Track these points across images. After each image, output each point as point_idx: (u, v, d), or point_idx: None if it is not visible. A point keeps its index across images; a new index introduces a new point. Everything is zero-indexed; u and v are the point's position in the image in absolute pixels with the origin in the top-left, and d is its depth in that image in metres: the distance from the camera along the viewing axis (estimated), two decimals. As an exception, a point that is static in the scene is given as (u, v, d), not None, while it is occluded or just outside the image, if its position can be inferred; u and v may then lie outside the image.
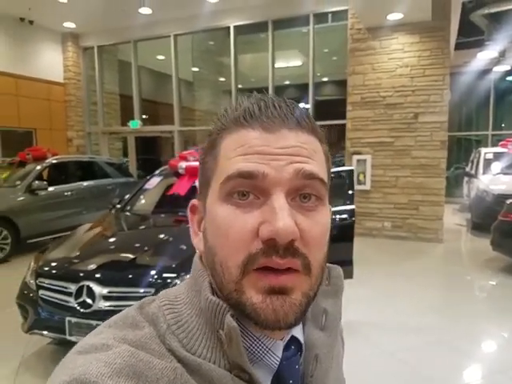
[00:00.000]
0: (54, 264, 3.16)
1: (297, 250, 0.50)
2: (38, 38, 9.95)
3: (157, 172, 4.89)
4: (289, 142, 0.53)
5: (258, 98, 0.56)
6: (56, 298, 2.94)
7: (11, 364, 3.24)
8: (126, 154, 11.14)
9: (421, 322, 4.09)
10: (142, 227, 4.00)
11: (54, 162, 7.41)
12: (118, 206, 4.48)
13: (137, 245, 3.39)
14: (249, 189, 0.51)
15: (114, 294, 2.83)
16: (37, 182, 6.82)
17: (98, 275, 2.89)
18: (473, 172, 9.57)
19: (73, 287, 2.87)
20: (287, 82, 9.45)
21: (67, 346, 3.43)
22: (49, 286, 3.01)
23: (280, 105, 0.54)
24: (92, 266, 2.95)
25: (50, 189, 7.03)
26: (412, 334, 3.82)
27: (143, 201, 4.52)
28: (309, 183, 0.53)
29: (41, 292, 3.02)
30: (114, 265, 3.09)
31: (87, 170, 8.12)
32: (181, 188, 4.32)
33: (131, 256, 3.12)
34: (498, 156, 8.91)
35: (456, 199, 11.87)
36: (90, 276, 2.88)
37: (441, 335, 3.82)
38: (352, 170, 4.27)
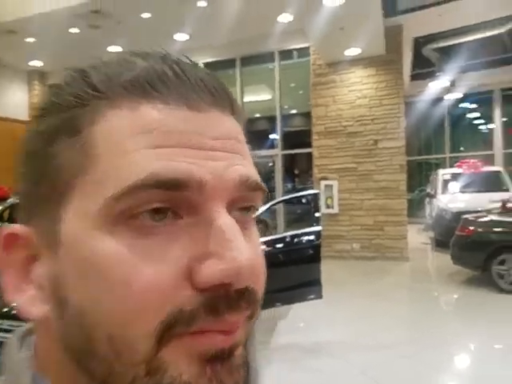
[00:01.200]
0: None
1: (253, 293, 0.32)
2: (4, 76, 10.07)
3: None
4: (225, 129, 0.33)
5: (162, 56, 0.36)
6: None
7: None
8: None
9: (392, 337, 4.23)
10: None
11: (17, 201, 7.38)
12: None
13: None
14: (169, 204, 0.30)
15: None
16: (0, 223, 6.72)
17: None
18: (432, 192, 10.19)
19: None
20: (257, 115, 9.93)
21: None
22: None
23: (201, 72, 0.35)
24: None
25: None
26: (384, 350, 3.94)
27: None
28: (253, 195, 0.34)
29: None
30: None
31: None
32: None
33: None
34: (454, 176, 9.59)
35: (420, 220, 12.50)
36: None
37: (411, 349, 3.95)
38: (317, 194, 4.62)
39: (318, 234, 4.29)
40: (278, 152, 8.99)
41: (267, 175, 9.81)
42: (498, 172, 9.51)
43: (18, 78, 10.51)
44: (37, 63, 10.09)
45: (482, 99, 13.05)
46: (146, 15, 7.37)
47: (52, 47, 8.80)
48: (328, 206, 8.18)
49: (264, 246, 4.21)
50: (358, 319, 4.86)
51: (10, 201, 7.15)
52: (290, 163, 9.54)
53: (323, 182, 8.17)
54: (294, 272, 4.21)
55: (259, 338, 4.50)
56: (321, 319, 4.87)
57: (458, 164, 9.96)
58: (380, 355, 3.84)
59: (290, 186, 10.61)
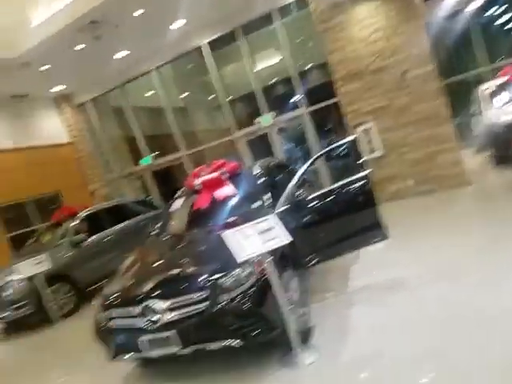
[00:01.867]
0: (115, 295, 3.55)
1: None
2: (35, 108, 10.62)
3: (176, 195, 5.26)
4: None
5: None
6: (125, 324, 3.33)
7: None
8: (147, 191, 11.64)
9: (466, 266, 4.09)
10: (180, 245, 4.35)
11: (86, 214, 7.95)
12: (154, 232, 4.89)
13: (179, 260, 3.75)
14: None
15: (175, 305, 3.17)
16: (76, 236, 7.36)
17: (156, 293, 3.26)
18: (478, 111, 9.55)
19: (136, 310, 3.25)
20: (274, 80, 9.74)
21: (150, 365, 3.85)
22: (116, 315, 3.40)
23: None
24: (148, 287, 3.32)
25: (90, 239, 7.59)
26: (459, 280, 3.84)
27: (174, 222, 4.90)
28: None
29: (112, 322, 3.42)
30: (166, 281, 3.43)
31: (118, 213, 8.60)
32: (202, 202, 4.67)
33: (177, 270, 3.49)
34: (499, 87, 8.91)
35: (472, 142, 11.81)
36: (148, 295, 3.25)
37: (488, 277, 3.76)
38: (354, 139, 4.51)
39: (366, 178, 4.20)
40: (304, 111, 8.80)
41: (300, 138, 9.67)
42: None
43: (46, 106, 11.00)
44: (59, 88, 10.49)
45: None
46: (138, 12, 7.38)
47: (66, 69, 9.09)
48: (371, 151, 7.94)
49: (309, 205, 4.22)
50: (430, 254, 4.74)
51: (80, 215, 7.87)
52: (319, 119, 9.32)
53: (359, 128, 7.93)
54: (351, 220, 4.22)
55: (334, 285, 4.58)
56: (392, 260, 4.86)
57: (500, 73, 9.24)
58: (456, 285, 3.77)
59: (324, 143, 10.42)
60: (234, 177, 4.84)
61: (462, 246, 4.63)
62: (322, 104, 8.71)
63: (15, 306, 6.38)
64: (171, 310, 3.18)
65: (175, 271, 3.51)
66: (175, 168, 13.68)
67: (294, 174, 6.05)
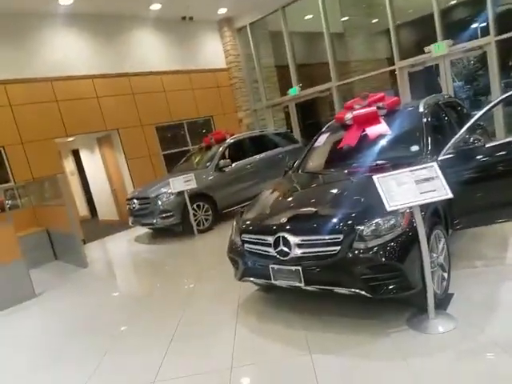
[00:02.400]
0: (252, 222, 3.56)
1: None
2: (199, 31, 11.00)
3: (323, 129, 4.90)
4: None
5: None
6: (259, 250, 3.33)
7: (230, 307, 3.85)
8: (288, 123, 11.52)
9: None
10: (319, 183, 4.11)
11: (232, 141, 8.23)
12: (293, 167, 4.70)
13: (318, 199, 3.55)
14: None
15: (306, 242, 3.03)
16: (222, 161, 7.72)
17: (289, 227, 3.15)
18: None
19: (270, 239, 3.19)
20: (454, 1, 8.14)
21: (271, 292, 3.91)
22: (251, 239, 3.42)
23: None
24: (283, 220, 3.22)
25: (233, 165, 7.89)
26: None
27: (315, 159, 4.61)
28: None
29: (246, 246, 3.46)
30: (301, 217, 3.28)
31: (259, 143, 8.72)
32: (350, 139, 4.24)
33: (315, 208, 3.30)
34: None
35: None
36: (283, 228, 3.15)
37: None
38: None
39: None
40: (491, 39, 7.23)
41: (471, 74, 8.12)
42: None
43: (209, 30, 11.31)
44: (223, 10, 10.63)
45: None
46: None
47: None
48: None
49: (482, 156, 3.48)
50: None
51: (228, 141, 8.25)
52: (506, 53, 7.61)
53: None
54: None
55: (491, 253, 3.97)
56: None
57: None
58: None
59: (505, 82, 8.62)
60: (392, 113, 4.26)
61: None
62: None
63: (164, 215, 7.12)
64: (301, 245, 3.05)
65: (312, 209, 3.34)
66: (320, 102, 13.24)
67: (467, 118, 5.17)
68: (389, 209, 2.77)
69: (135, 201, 7.55)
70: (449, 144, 3.66)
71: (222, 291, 4.32)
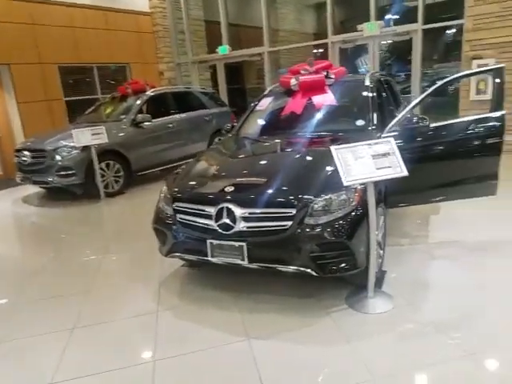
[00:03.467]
0: (190, 189, 3.15)
1: None
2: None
3: (266, 92, 4.62)
4: None
5: None
6: (195, 222, 2.95)
7: (151, 286, 3.41)
8: (214, 85, 11.00)
9: None
10: (265, 151, 3.82)
11: (153, 94, 7.47)
12: (232, 131, 4.36)
13: (266, 168, 3.26)
14: None
15: (254, 216, 2.75)
16: (140, 115, 6.97)
17: (236, 197, 2.82)
18: None
19: (212, 210, 2.84)
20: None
21: (201, 268, 3.57)
22: (187, 209, 3.01)
23: None
24: (229, 189, 2.87)
25: (154, 121, 7.16)
26: None
27: (257, 124, 4.33)
28: None
29: (179, 216, 3.04)
30: (250, 187, 2.98)
31: (184, 101, 8.11)
32: (295, 106, 4.03)
33: (265, 179, 2.97)
34: None
35: None
36: (228, 198, 2.82)
37: None
38: (501, 68, 3.58)
39: (501, 119, 3.45)
40: (418, 27, 7.49)
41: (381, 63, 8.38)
42: None
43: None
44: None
45: None
46: None
47: None
48: (479, 92, 6.82)
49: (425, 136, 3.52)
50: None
51: (148, 94, 7.38)
52: (431, 43, 8.00)
53: (476, 62, 6.71)
54: (467, 164, 3.57)
55: (414, 232, 4.08)
56: (481, 218, 4.28)
57: None
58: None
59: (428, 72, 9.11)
60: (338, 84, 4.12)
61: None
62: (442, 24, 7.35)
63: (63, 172, 6.09)
64: (248, 219, 2.75)
65: (261, 179, 3.01)
66: (247, 67, 12.87)
67: (398, 97, 5.28)
68: (346, 183, 2.62)
69: (26, 153, 6.36)
70: (393, 121, 3.64)
71: (138, 267, 3.82)
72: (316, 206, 2.68)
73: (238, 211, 2.75)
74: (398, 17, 8.19)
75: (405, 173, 2.69)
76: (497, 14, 6.50)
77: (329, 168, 2.92)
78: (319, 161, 3.11)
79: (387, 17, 7.94)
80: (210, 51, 10.56)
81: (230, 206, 2.78)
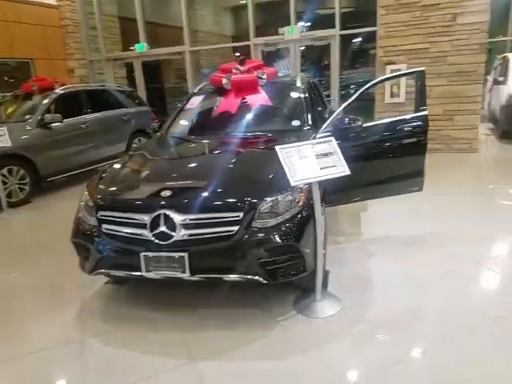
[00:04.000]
0: (117, 195, 2.81)
1: None
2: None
3: (196, 90, 4.40)
4: None
5: None
6: (125, 232, 2.62)
7: (71, 309, 2.99)
8: (131, 84, 10.40)
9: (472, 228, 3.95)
10: (200, 152, 3.57)
11: (63, 92, 6.80)
12: (160, 130, 4.07)
13: (205, 170, 3.02)
14: None
15: (195, 222, 2.52)
16: (48, 115, 6.28)
17: (174, 202, 2.57)
18: (500, 79, 8.96)
19: (146, 218, 2.54)
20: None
21: (128, 284, 3.20)
22: (114, 219, 2.66)
23: None
24: (166, 193, 2.60)
25: (65, 121, 6.49)
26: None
27: (189, 123, 4.10)
28: None
29: (104, 227, 2.68)
30: (190, 190, 2.73)
31: (99, 99, 7.53)
32: (229, 105, 3.89)
33: (205, 181, 2.74)
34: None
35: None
36: (165, 204, 2.55)
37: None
38: (422, 71, 3.80)
39: (424, 119, 3.64)
40: (336, 32, 7.77)
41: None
42: None
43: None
44: None
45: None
46: None
47: None
48: (393, 95, 7.28)
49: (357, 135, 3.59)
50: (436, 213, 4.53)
51: (58, 91, 6.71)
52: (347, 48, 8.36)
53: (389, 67, 7.14)
54: (396, 161, 3.73)
55: (348, 229, 4.16)
56: (405, 212, 4.51)
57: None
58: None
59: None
60: (270, 84, 4.05)
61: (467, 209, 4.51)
62: (358, 30, 7.72)
63: None
64: (188, 226, 2.51)
65: (201, 181, 2.77)
66: (168, 65, 12.46)
67: (324, 99, 5.39)
68: (293, 183, 2.53)
69: None
70: (327, 121, 3.67)
71: (53, 288, 3.34)
72: (263, 208, 2.55)
73: (178, 218, 2.51)
74: (310, 24, 8.41)
75: (347, 172, 2.68)
76: (407, 23, 6.98)
77: (271, 168, 2.80)
78: (260, 161, 2.99)
79: (301, 24, 8.17)
80: (125, 49, 10.00)
81: (168, 212, 2.52)
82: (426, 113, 3.69)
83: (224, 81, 3.98)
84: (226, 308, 2.87)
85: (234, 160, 3.11)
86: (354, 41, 10.23)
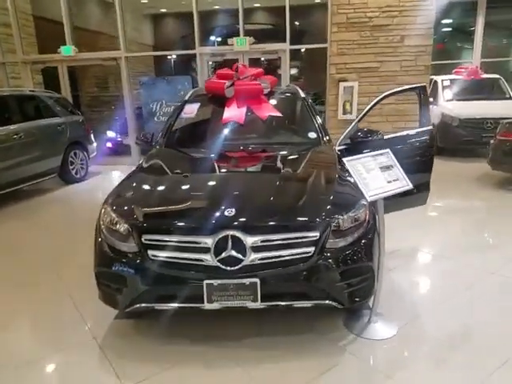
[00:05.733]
0: (167, 215, 2.32)
1: None
2: None
3: (188, 98, 3.92)
4: None
5: None
6: (181, 258, 2.17)
7: (90, 351, 2.44)
8: (47, 89, 9.19)
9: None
10: (243, 167, 3.13)
11: (-12, 97, 5.72)
12: (158, 142, 3.53)
13: (261, 186, 2.63)
14: None
15: (268, 244, 2.15)
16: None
17: (242, 222, 2.17)
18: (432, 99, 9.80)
19: (209, 241, 2.12)
20: (259, 4, 8.40)
21: (142, 317, 2.72)
22: (166, 243, 2.19)
23: None
24: (230, 212, 2.19)
25: (-4, 130, 5.46)
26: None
27: (196, 134, 3.59)
28: None
29: (152, 253, 2.19)
30: (256, 209, 2.32)
31: (29, 106, 6.50)
32: (236, 115, 3.52)
33: (267, 199, 2.38)
34: (454, 83, 9.25)
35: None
36: (231, 224, 2.15)
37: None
38: (424, 87, 3.86)
39: (430, 133, 3.69)
40: (286, 47, 7.78)
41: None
42: (498, 79, 9.33)
43: None
44: None
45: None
46: None
47: None
48: (345, 112, 7.47)
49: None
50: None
51: None
52: (298, 63, 8.41)
53: (342, 84, 7.33)
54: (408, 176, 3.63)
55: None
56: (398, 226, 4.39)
57: (455, 71, 9.61)
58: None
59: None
60: (271, 94, 3.80)
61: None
62: (308, 46, 7.81)
63: None
64: (259, 249, 2.15)
65: (263, 199, 2.39)
66: (83, 72, 11.43)
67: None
68: (369, 199, 2.31)
69: None
70: (344, 134, 3.56)
71: (57, 331, 2.70)
72: (336, 226, 2.26)
73: (248, 240, 2.12)
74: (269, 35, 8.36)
75: (410, 186, 2.54)
76: (357, 42, 7.25)
77: (331, 184, 2.56)
78: (317, 176, 2.68)
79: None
80: (42, 52, 8.88)
81: (236, 233, 2.12)
82: (430, 128, 3.76)
83: (226, 88, 3.62)
84: (278, 335, 2.54)
85: (284, 175, 2.73)
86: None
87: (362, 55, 7.28)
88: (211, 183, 2.71)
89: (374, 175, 2.43)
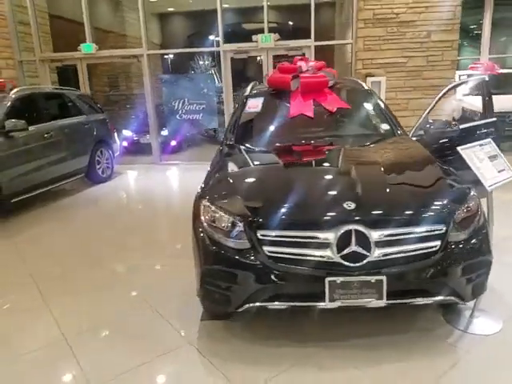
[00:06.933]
0: (283, 210, 2.20)
1: None
2: None
3: (248, 93, 3.83)
4: None
5: None
6: (302, 255, 2.09)
7: (189, 356, 2.36)
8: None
9: None
10: (348, 158, 2.92)
11: (21, 94, 5.54)
12: (227, 139, 3.47)
13: (372, 178, 2.51)
14: None
15: (393, 238, 2.09)
16: (10, 121, 5.02)
17: (364, 216, 2.10)
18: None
19: (331, 236, 2.05)
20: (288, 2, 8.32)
21: (234, 318, 2.62)
22: (283, 239, 2.11)
23: None
24: (350, 205, 2.13)
25: (30, 129, 5.29)
26: None
27: (272, 129, 3.46)
28: None
29: (268, 249, 2.11)
30: (377, 201, 2.23)
31: (58, 105, 6.37)
32: (305, 108, 3.46)
33: (383, 190, 2.31)
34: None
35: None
36: (353, 218, 2.08)
37: None
38: (485, 78, 3.85)
39: (495, 124, 3.67)
40: (311, 43, 7.72)
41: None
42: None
43: None
44: None
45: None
46: None
47: None
48: (372, 107, 7.45)
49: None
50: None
51: (15, 93, 5.41)
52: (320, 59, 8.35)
53: (370, 79, 7.30)
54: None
55: None
56: None
57: (471, 66, 9.67)
58: None
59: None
60: (335, 86, 3.74)
61: None
62: (333, 42, 7.77)
63: None
64: (384, 244, 2.08)
65: (380, 191, 2.32)
66: (93, 70, 11.25)
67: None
68: (489, 188, 2.27)
69: None
70: (416, 124, 3.55)
71: (142, 339, 2.58)
72: (460, 218, 2.21)
73: (373, 234, 2.05)
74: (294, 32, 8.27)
75: (517, 175, 2.50)
76: (383, 38, 7.24)
77: (441, 176, 2.49)
78: (419, 168, 2.64)
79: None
80: (56, 50, 8.72)
81: (359, 227, 2.05)
82: (494, 119, 3.74)
83: (292, 82, 3.54)
84: (381, 334, 2.48)
85: (390, 168, 2.61)
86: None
87: (389, 51, 7.27)
88: (319, 176, 2.63)
89: (486, 164, 2.39)
